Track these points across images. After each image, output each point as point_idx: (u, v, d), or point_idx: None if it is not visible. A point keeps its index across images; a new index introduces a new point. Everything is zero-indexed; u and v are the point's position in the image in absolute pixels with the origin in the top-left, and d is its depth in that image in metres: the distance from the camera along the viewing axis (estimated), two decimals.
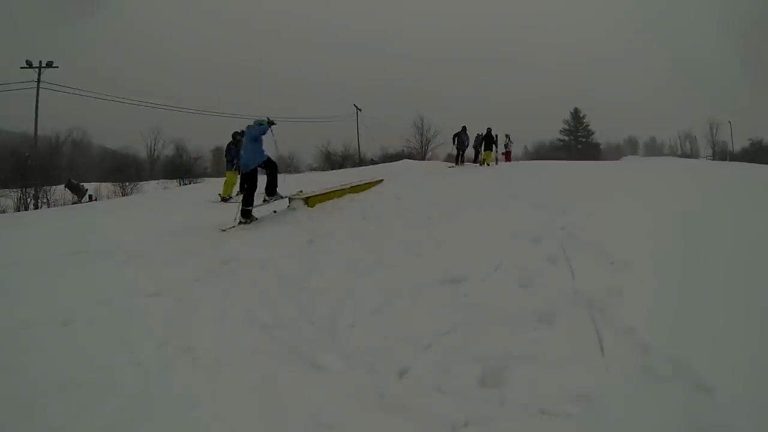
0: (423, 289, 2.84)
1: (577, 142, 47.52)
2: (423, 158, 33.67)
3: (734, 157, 36.85)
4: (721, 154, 42.51)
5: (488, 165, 13.48)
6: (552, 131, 52.12)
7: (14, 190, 18.49)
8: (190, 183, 25.53)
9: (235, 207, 7.75)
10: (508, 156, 17.22)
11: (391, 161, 25.29)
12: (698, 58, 61.71)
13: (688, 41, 69.50)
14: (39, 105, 20.38)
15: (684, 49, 63.40)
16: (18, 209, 17.43)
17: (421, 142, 39.79)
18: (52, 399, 1.94)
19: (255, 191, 5.77)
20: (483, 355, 1.95)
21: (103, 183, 25.55)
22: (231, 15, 69.96)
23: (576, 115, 48.66)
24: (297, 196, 6.72)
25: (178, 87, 58.19)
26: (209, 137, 51.85)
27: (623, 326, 1.93)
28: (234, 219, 5.66)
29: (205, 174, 32.67)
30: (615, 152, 50.31)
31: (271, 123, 5.84)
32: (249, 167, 5.67)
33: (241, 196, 8.16)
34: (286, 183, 6.96)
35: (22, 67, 20.29)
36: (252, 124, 5.95)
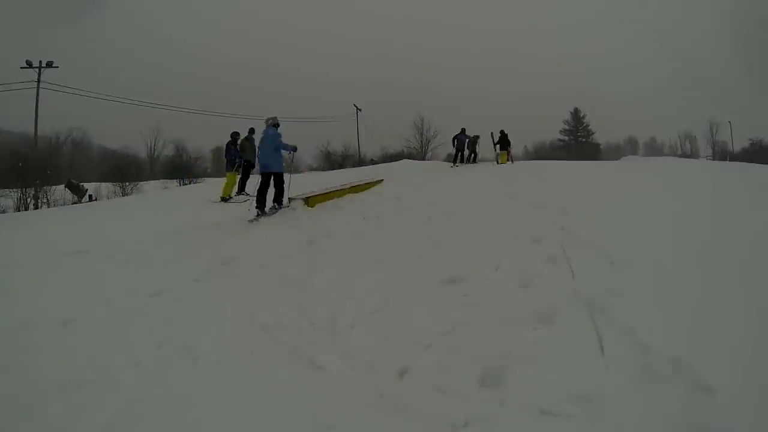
0: (423, 289, 2.84)
1: (577, 142, 47.47)
2: (423, 158, 33.65)
3: (734, 157, 36.83)
4: (721, 154, 42.50)
5: (503, 164, 13.91)
6: (552, 131, 52.22)
7: (14, 190, 18.49)
8: (190, 183, 25.51)
9: (236, 206, 7.78)
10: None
11: (391, 161, 25.27)
12: (698, 58, 61.82)
13: (688, 41, 69.57)
14: (39, 105, 20.37)
15: (684, 49, 63.53)
16: (18, 209, 17.43)
17: (421, 142, 39.78)
18: (52, 399, 1.94)
19: (267, 189, 6.32)
20: (483, 355, 1.95)
21: (103, 183, 25.55)
22: (231, 15, 70.13)
23: (576, 115, 48.62)
24: (297, 196, 6.74)
25: (178, 87, 58.28)
26: (209, 137, 51.90)
27: (623, 326, 1.93)
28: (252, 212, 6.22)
29: (205, 174, 32.65)
30: (615, 152, 50.32)
31: (276, 125, 6.36)
32: (268, 169, 6.30)
33: (240, 196, 8.27)
34: (286, 183, 7.06)
35: (22, 67, 20.28)
36: (268, 124, 6.37)
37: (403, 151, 36.55)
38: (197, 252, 4.36)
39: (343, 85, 62.34)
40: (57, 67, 20.82)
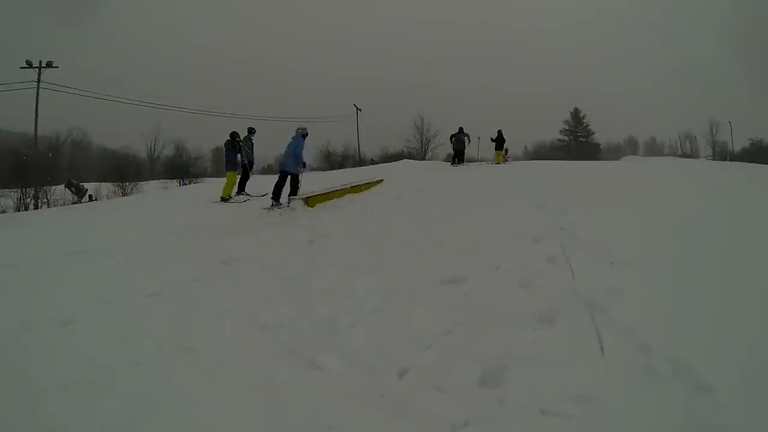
0: (423, 289, 2.84)
1: (577, 142, 47.48)
2: (423, 158, 33.65)
3: (734, 157, 36.83)
4: (721, 154, 42.50)
5: (498, 164, 14.23)
6: (552, 131, 52.19)
7: (14, 190, 18.49)
8: (190, 183, 25.51)
9: (236, 206, 7.78)
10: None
11: (391, 161, 25.26)
12: (698, 58, 61.77)
13: (688, 41, 69.49)
14: (39, 105, 20.38)
15: (684, 49, 63.47)
16: (18, 209, 17.43)
17: (421, 142, 39.79)
18: (52, 399, 1.94)
19: (283, 186, 7.19)
20: (483, 355, 1.95)
21: (103, 183, 25.54)
22: (231, 15, 70.11)
23: (576, 115, 48.62)
24: (297, 196, 6.76)
25: (178, 87, 58.29)
26: (209, 137, 51.88)
27: (623, 326, 1.93)
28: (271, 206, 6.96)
29: (205, 174, 32.65)
30: (615, 152, 50.30)
31: (305, 135, 7.24)
32: (285, 168, 7.17)
33: (240, 196, 8.36)
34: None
35: (22, 67, 20.29)
36: (298, 133, 7.22)
37: (403, 151, 36.58)
38: (197, 252, 4.35)
39: (343, 85, 62.39)
40: (57, 67, 20.85)
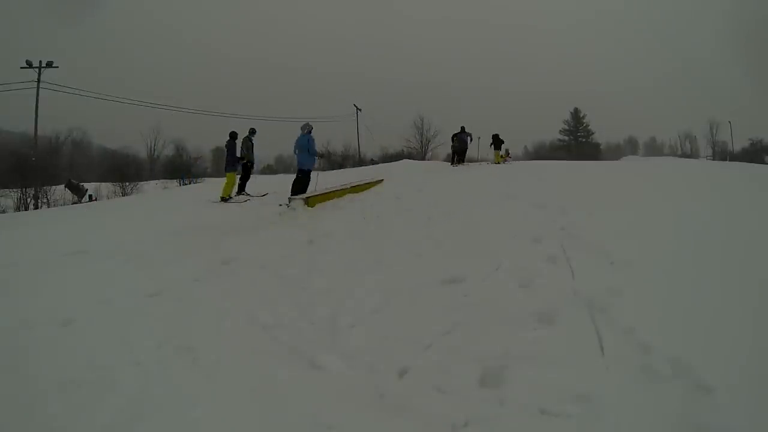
0: (423, 289, 2.84)
1: (577, 142, 47.49)
2: (423, 158, 33.66)
3: (734, 157, 36.86)
4: (721, 154, 42.54)
5: (498, 163, 14.47)
6: (552, 131, 52.22)
7: (14, 190, 18.50)
8: (190, 183, 25.51)
9: (236, 206, 7.78)
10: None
11: (391, 161, 25.27)
12: (698, 58, 61.77)
13: (688, 41, 69.51)
14: (39, 105, 20.38)
15: (684, 49, 63.50)
16: (18, 209, 17.43)
17: (421, 142, 39.83)
18: (52, 399, 1.94)
19: (301, 184, 7.53)
20: (483, 355, 1.95)
21: (103, 183, 25.56)
22: (231, 15, 70.06)
23: (576, 115, 48.68)
24: (297, 197, 6.77)
25: (178, 87, 58.28)
26: (209, 137, 51.87)
27: (623, 326, 1.93)
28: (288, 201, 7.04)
29: (205, 174, 32.66)
30: (615, 152, 50.36)
31: (309, 131, 7.58)
32: (301, 166, 7.59)
33: (240, 196, 8.41)
34: (286, 183, 7.28)
35: (22, 67, 20.29)
36: (304, 131, 7.54)
37: (403, 151, 36.60)
38: (197, 252, 4.35)
39: (344, 85, 62.39)
40: (57, 67, 20.86)
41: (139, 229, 5.95)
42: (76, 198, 17.21)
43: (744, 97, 55.18)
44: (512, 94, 68.95)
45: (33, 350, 2.42)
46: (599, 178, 7.24)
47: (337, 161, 33.35)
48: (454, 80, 71.59)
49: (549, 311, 2.22)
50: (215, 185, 11.02)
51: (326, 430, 1.63)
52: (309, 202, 6.62)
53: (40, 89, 20.33)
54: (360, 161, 33.03)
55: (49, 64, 20.61)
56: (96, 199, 18.23)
